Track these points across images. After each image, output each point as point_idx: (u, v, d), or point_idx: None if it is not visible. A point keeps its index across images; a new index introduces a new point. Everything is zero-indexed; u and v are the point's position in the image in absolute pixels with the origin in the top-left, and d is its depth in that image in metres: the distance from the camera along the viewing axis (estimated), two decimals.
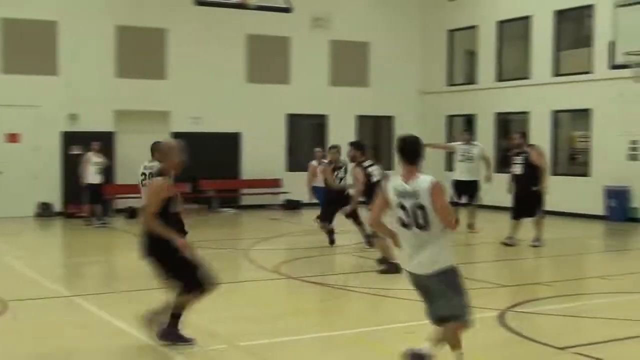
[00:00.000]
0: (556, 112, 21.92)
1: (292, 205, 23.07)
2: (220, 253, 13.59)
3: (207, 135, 22.12)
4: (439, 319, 6.45)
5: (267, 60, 23.91)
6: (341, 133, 24.46)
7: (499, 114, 23.57)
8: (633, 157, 19.66)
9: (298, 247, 15.10)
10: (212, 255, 12.82)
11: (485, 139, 21.70)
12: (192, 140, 21.13)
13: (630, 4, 17.02)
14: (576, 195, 20.30)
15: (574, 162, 21.86)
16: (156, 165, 10.97)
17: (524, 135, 16.07)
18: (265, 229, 18.45)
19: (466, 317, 6.41)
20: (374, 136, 26.71)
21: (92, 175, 18.62)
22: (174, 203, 7.70)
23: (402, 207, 6.38)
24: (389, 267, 11.83)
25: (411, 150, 6.47)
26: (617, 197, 19.80)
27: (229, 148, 23.06)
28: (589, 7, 20.94)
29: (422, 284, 6.45)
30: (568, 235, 16.99)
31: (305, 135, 25.65)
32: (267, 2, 17.99)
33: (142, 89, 22.07)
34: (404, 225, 6.41)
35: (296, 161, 24.55)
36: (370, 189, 12.15)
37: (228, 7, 18.37)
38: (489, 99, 23.69)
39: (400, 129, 25.88)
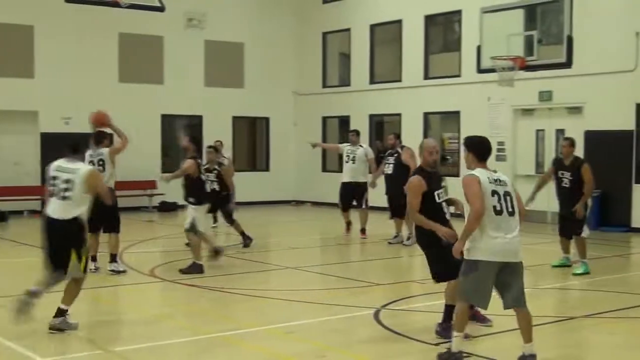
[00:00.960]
0: (427, 114, 22.50)
1: (168, 207, 22.76)
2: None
3: (78, 136, 21.41)
4: (517, 305, 7.07)
5: (140, 60, 23.50)
6: (217, 134, 24.31)
7: (373, 115, 23.99)
8: (500, 158, 20.37)
9: (174, 250, 14.89)
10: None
11: (360, 141, 21.95)
12: (63, 142, 20.97)
13: (495, 10, 17.60)
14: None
15: (445, 163, 22.50)
16: (103, 152, 11.86)
17: (398, 136, 16.36)
18: (140, 231, 18.10)
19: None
20: (250, 137, 26.70)
21: None
22: (435, 196, 8.23)
23: (496, 194, 6.93)
24: (195, 267, 12.01)
25: (488, 149, 7.30)
26: None
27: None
28: (457, 12, 21.61)
29: (508, 271, 7.01)
30: None
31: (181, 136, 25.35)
32: (140, 0, 17.65)
33: (9, 87, 21.27)
34: (497, 212, 6.91)
35: (171, 162, 24.23)
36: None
37: (99, 5, 17.93)
38: (362, 101, 24.06)
39: (276, 130, 26.03)
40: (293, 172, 25.86)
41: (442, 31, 23.57)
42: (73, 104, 22.16)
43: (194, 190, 12.47)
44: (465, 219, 6.95)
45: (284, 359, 7.47)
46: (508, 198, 6.98)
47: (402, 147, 15.61)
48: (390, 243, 15.25)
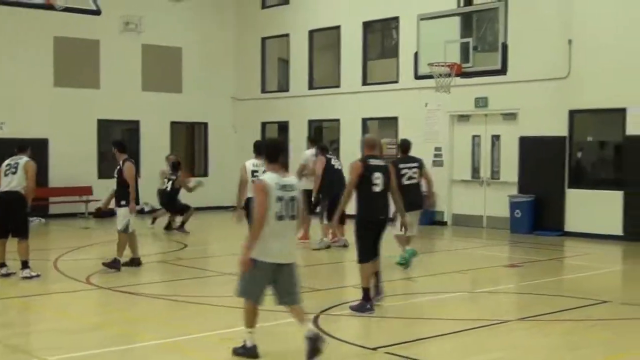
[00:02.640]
0: (366, 120, 22.62)
1: (103, 214, 22.37)
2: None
3: (11, 141, 20.99)
4: (292, 302, 7.41)
5: (76, 64, 23.12)
6: (155, 139, 24.20)
7: (312, 121, 24.02)
8: (437, 164, 20.59)
9: (110, 257, 14.67)
10: (19, 266, 12.25)
11: (300, 146, 21.92)
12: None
13: (431, 17, 17.76)
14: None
15: None
16: (20, 159, 12.25)
17: (319, 145, 16.61)
18: (75, 238, 17.80)
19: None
20: (188, 142, 26.50)
21: None
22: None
23: (280, 199, 7.18)
24: (115, 263, 12.71)
25: (278, 152, 7.48)
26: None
27: (35, 154, 21.93)
28: (394, 19, 21.79)
29: (282, 271, 7.27)
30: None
31: None
32: (75, 3, 17.34)
33: None
34: (279, 217, 7.19)
35: (108, 168, 23.88)
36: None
37: (33, 8, 17.50)
38: (301, 107, 24.08)
39: (214, 136, 25.90)
40: (232, 178, 25.59)
41: (380, 37, 23.75)
42: (7, 109, 21.73)
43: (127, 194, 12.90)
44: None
45: None
46: (292, 203, 7.26)
47: (322, 151, 15.83)
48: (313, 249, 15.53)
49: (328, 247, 15.52)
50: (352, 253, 14.59)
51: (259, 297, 7.35)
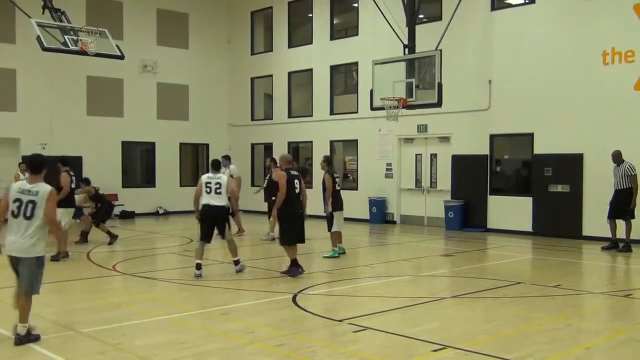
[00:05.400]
0: (332, 142, 22.67)
1: (127, 215, 22.26)
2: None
3: (51, 158, 20.79)
4: (21, 292, 6.84)
5: (105, 97, 22.97)
6: (167, 157, 24.08)
7: (291, 142, 24.03)
8: (388, 176, 20.69)
9: (131, 249, 14.57)
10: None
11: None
12: None
13: (383, 62, 17.89)
14: (349, 204, 20.97)
15: (347, 180, 22.72)
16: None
17: (273, 159, 16.61)
18: (104, 235, 17.56)
19: (34, 292, 6.91)
20: (193, 159, 26.37)
21: None
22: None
23: (18, 201, 6.80)
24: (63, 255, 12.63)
25: (36, 166, 6.99)
26: (377, 206, 20.75)
27: (72, 168, 21.74)
28: (355, 63, 21.88)
29: (18, 263, 6.82)
30: (344, 234, 17.46)
31: (137, 158, 24.86)
32: (104, 50, 17.30)
33: None
34: (14, 215, 6.81)
35: (130, 179, 23.77)
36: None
37: (71, 53, 17.38)
38: (282, 131, 24.08)
39: (214, 154, 25.75)
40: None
41: (344, 78, 23.82)
42: (48, 132, 21.53)
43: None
44: None
45: (220, 335, 7.39)
46: (30, 205, 6.77)
47: (276, 167, 15.92)
48: (262, 239, 15.65)
49: (273, 239, 15.33)
50: (322, 244, 14.65)
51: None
